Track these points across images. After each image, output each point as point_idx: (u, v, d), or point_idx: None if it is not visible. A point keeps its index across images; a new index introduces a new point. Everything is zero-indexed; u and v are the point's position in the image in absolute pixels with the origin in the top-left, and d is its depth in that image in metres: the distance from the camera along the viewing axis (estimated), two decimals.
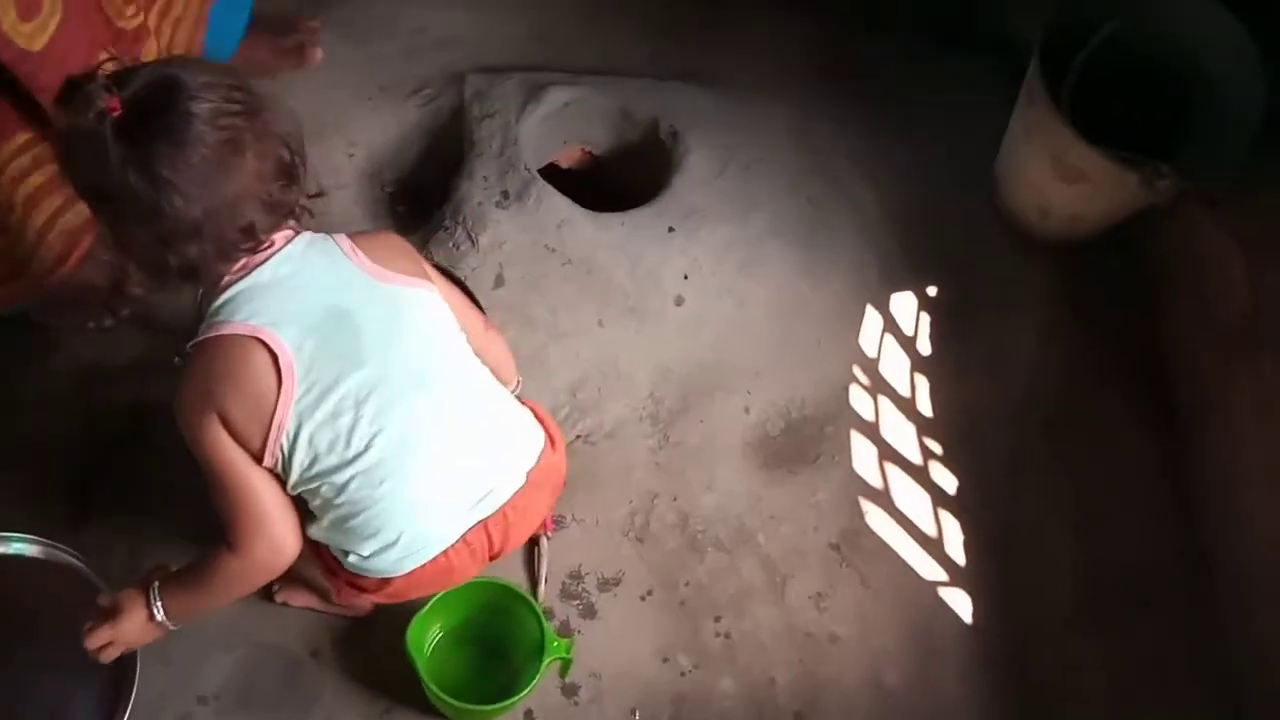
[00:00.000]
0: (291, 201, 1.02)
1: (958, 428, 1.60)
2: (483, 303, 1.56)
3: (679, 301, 1.62)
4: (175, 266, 0.96)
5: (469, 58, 1.84)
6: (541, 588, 1.39)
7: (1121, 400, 1.61)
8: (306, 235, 1.06)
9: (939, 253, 1.72)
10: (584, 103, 1.74)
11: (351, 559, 1.07)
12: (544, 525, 1.41)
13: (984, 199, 1.76)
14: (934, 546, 1.50)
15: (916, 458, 1.58)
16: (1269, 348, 1.38)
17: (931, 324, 1.68)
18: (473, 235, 1.58)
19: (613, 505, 1.48)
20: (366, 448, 1.01)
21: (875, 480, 1.55)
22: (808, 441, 1.58)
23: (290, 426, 1.00)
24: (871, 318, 1.67)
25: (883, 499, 1.54)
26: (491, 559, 1.17)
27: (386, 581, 1.10)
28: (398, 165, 1.78)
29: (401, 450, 1.03)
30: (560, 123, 1.74)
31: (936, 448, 1.58)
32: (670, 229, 1.63)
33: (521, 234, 1.59)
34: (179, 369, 1.05)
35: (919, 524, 1.52)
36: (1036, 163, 1.56)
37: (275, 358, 0.98)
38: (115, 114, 0.89)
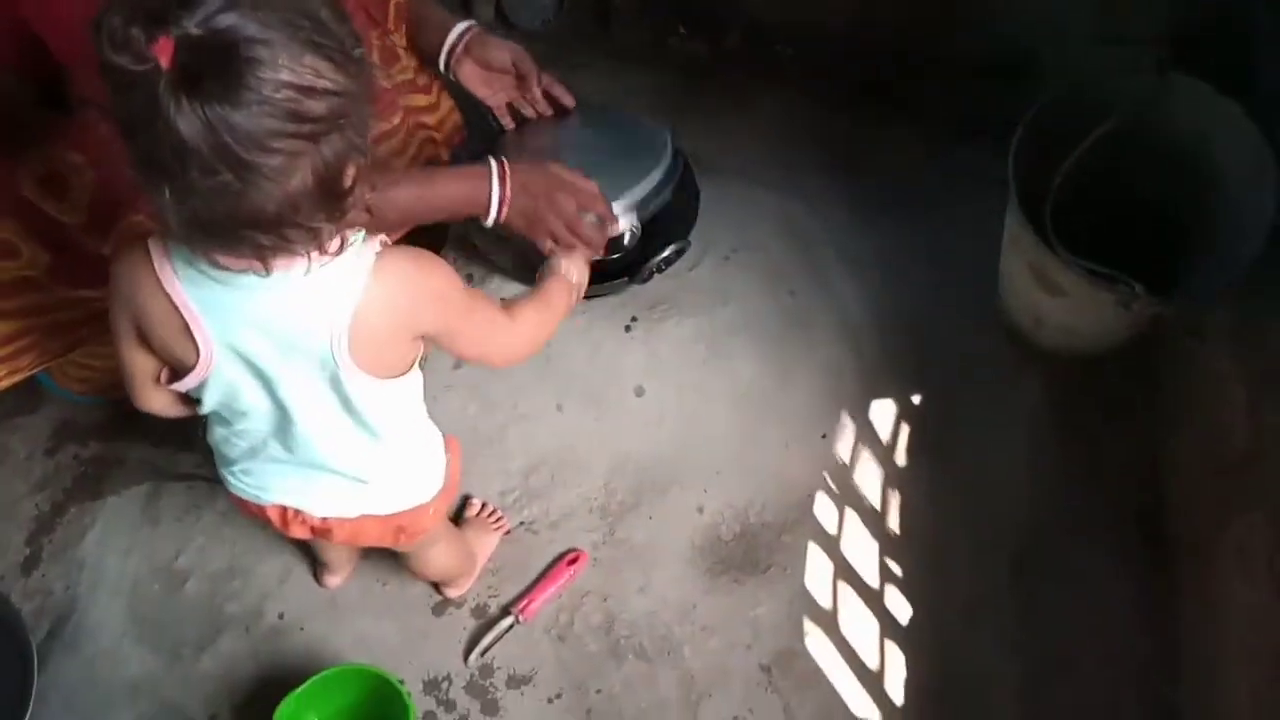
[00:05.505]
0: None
1: (924, 551, 1.47)
2: (443, 382, 1.59)
3: (639, 392, 1.59)
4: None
5: None
6: (473, 656, 1.40)
7: (1106, 537, 1.43)
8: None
9: (928, 358, 1.60)
10: None
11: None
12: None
13: (984, 303, 1.62)
14: (872, 681, 1.38)
15: (874, 579, 1.46)
16: (1264, 499, 1.19)
17: (910, 435, 1.56)
18: None
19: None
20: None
21: (825, 599, 1.44)
22: (761, 549, 1.49)
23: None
24: (847, 423, 1.57)
25: (828, 620, 1.43)
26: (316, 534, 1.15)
27: None
28: None
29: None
30: None
31: (897, 570, 1.46)
32: (634, 318, 1.60)
33: None
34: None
35: (861, 654, 1.40)
36: (1020, 271, 1.43)
37: None
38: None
